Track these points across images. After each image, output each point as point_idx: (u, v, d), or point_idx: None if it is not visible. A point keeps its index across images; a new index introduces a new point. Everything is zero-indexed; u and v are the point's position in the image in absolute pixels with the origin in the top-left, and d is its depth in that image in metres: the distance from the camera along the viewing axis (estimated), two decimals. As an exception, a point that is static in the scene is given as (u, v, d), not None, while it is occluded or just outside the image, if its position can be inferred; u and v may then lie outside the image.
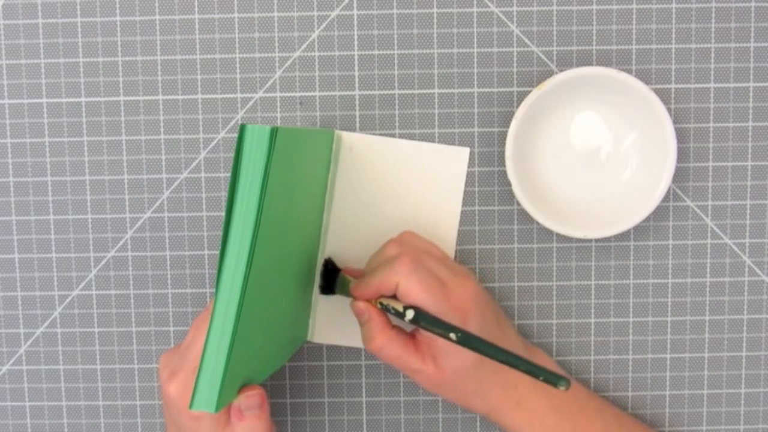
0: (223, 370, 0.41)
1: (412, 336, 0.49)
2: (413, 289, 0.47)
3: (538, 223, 0.53)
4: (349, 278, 0.52)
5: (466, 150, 0.54)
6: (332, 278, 0.53)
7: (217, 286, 0.41)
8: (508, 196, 0.54)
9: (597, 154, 0.53)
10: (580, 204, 0.53)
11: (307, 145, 0.47)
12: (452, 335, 0.45)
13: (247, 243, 0.40)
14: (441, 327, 0.45)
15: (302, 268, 0.52)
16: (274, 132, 0.40)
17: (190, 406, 0.41)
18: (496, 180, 0.55)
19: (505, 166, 0.52)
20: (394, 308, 0.47)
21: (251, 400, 0.44)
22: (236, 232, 0.40)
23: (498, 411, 0.51)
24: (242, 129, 0.40)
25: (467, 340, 0.45)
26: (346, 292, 0.51)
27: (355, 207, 0.54)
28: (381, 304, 0.48)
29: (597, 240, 0.55)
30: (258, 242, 0.40)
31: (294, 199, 0.46)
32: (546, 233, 0.55)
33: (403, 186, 0.54)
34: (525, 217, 0.55)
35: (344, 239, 0.55)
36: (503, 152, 0.52)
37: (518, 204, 0.54)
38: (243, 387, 0.45)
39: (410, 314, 0.46)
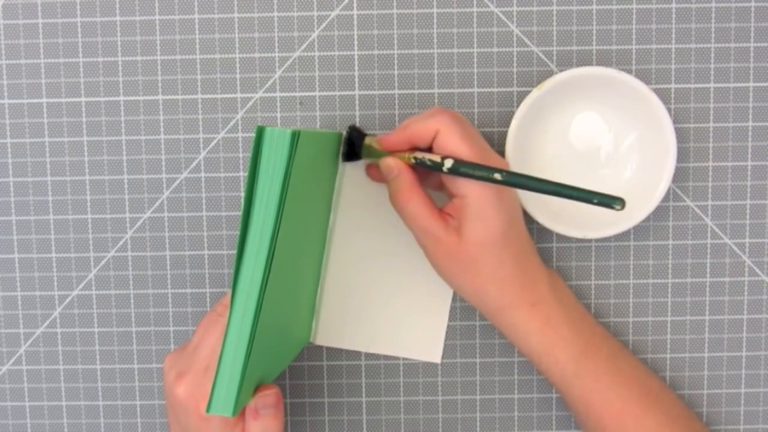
0: (240, 374, 0.41)
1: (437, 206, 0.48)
2: (454, 139, 0.45)
3: (538, 223, 0.53)
4: (377, 144, 0.49)
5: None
6: (357, 144, 0.50)
7: (233, 289, 0.40)
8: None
9: (597, 154, 0.53)
10: (580, 204, 0.53)
11: (319, 146, 0.46)
12: (497, 176, 0.43)
13: (265, 249, 0.40)
14: (484, 170, 0.44)
15: (310, 268, 0.52)
16: (295, 136, 0.39)
17: (207, 410, 0.41)
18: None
19: (505, 166, 0.52)
20: (430, 160, 0.45)
21: (267, 399, 0.44)
22: (254, 237, 0.40)
23: (511, 309, 0.48)
24: (260, 132, 0.39)
25: (514, 178, 0.43)
26: (374, 154, 0.49)
27: (361, 208, 0.54)
28: (415, 158, 0.47)
29: (597, 240, 0.55)
30: (276, 247, 0.40)
31: (307, 202, 0.46)
32: (546, 233, 0.55)
33: None
34: (525, 216, 0.55)
35: (350, 240, 0.54)
36: (503, 152, 0.52)
37: (518, 204, 0.54)
38: (258, 387, 0.45)
39: (449, 163, 0.44)
